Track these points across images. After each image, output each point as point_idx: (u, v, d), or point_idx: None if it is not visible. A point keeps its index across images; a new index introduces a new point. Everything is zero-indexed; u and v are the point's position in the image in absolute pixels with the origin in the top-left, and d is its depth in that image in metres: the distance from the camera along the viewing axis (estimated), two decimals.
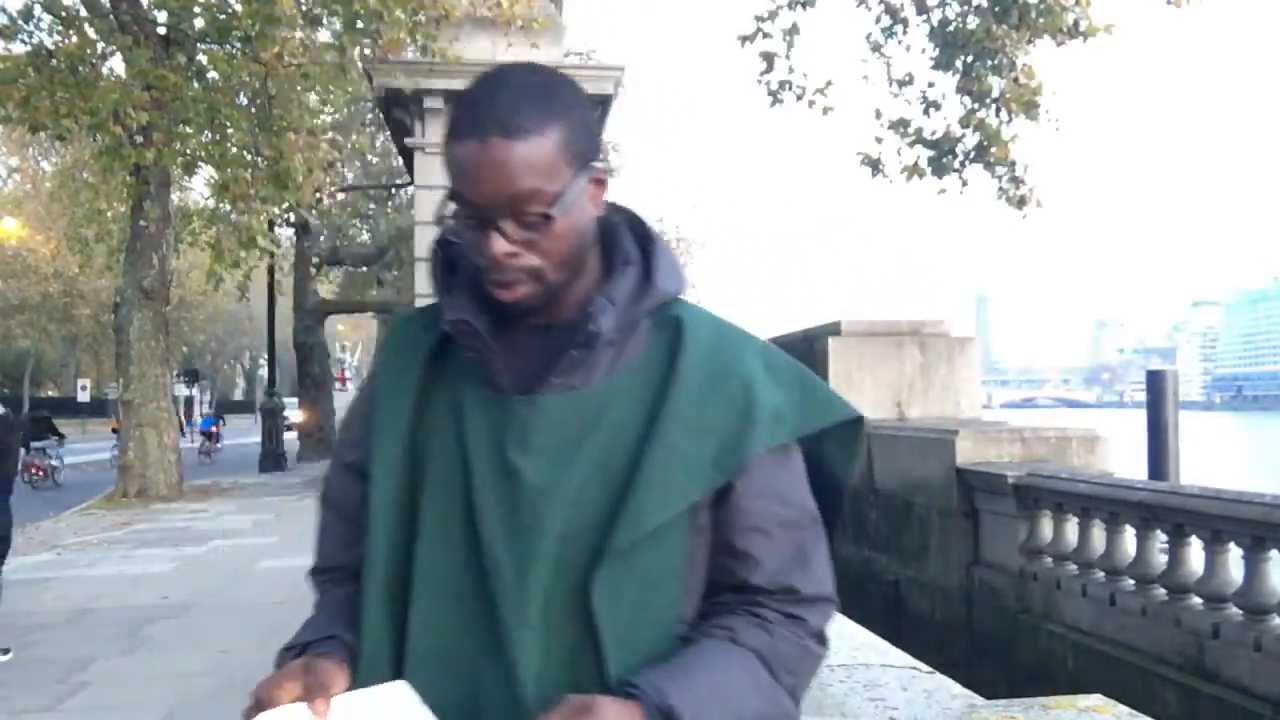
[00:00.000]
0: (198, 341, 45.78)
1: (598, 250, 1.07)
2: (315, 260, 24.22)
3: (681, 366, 1.04)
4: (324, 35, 13.57)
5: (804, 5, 14.06)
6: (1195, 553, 5.69)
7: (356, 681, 1.02)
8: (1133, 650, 5.96)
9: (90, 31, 12.76)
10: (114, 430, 18.95)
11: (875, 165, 14.40)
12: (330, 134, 14.99)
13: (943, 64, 13.59)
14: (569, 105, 0.99)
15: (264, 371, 35.33)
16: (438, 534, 1.06)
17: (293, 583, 8.29)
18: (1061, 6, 12.60)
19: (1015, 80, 13.08)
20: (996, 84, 13.24)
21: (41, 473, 17.99)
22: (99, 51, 13.11)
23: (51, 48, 12.55)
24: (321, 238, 25.19)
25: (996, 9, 12.83)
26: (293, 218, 20.77)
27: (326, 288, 29.52)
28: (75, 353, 45.22)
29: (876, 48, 14.16)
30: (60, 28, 13.13)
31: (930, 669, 2.97)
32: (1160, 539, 5.95)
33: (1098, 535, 6.49)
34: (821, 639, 1.08)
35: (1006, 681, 6.77)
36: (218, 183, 13.25)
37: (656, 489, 1.00)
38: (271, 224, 16.47)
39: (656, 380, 1.04)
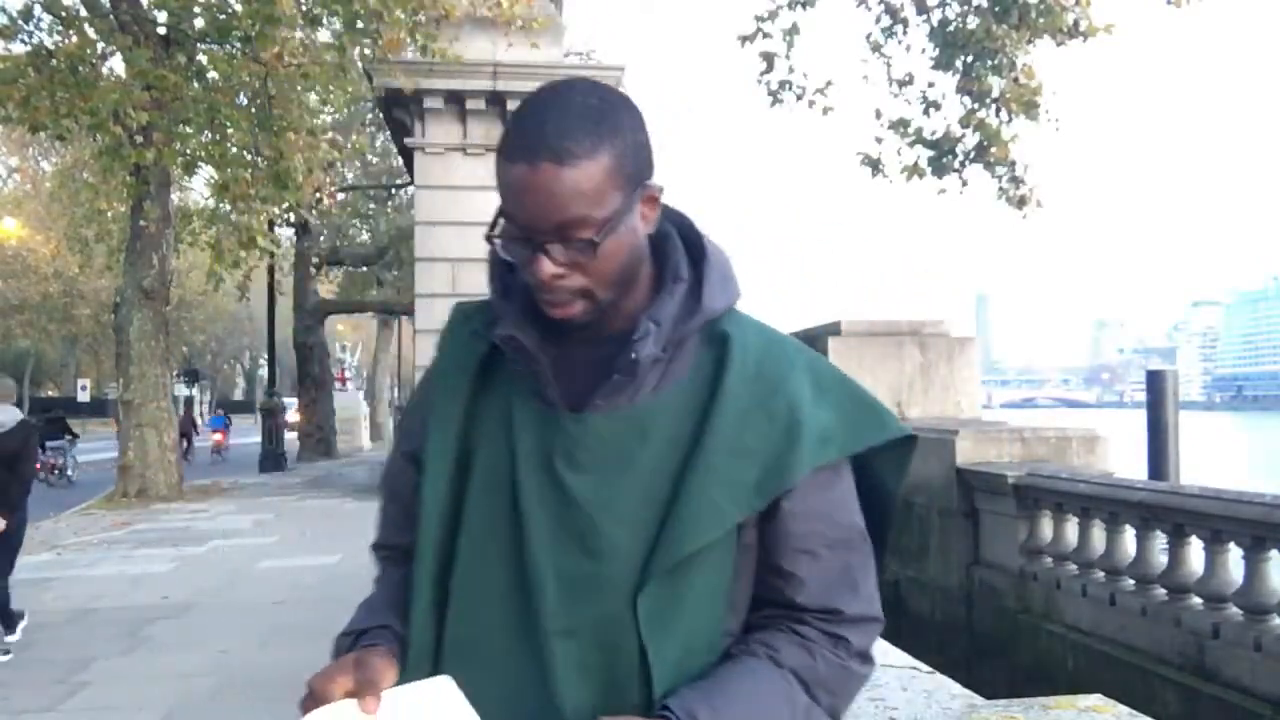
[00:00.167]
0: (198, 341, 45.79)
1: (651, 263, 1.08)
2: (315, 260, 24.23)
3: (725, 386, 1.04)
4: (324, 35, 13.58)
5: (804, 5, 14.07)
6: (1195, 553, 5.69)
7: (405, 670, 1.04)
8: (1133, 650, 5.96)
9: (90, 31, 12.75)
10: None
11: (875, 165, 14.40)
12: (330, 134, 14.99)
13: (943, 64, 13.59)
14: (621, 128, 0.98)
15: (264, 371, 35.33)
16: (482, 535, 1.07)
17: (293, 583, 8.36)
18: (1061, 6, 12.59)
19: (1015, 80, 13.08)
20: (996, 84, 13.23)
21: (56, 471, 18.42)
22: (99, 51, 13.10)
23: (51, 48, 12.54)
24: (321, 238, 25.20)
25: (996, 9, 12.83)
26: (293, 218, 20.77)
27: (326, 288, 29.52)
28: (75, 353, 45.23)
29: (876, 48, 14.16)
30: (60, 28, 13.13)
31: (930, 669, 2.97)
32: (1160, 539, 5.95)
33: (1098, 535, 6.50)
34: (865, 658, 1.08)
35: (1006, 681, 6.77)
36: (218, 183, 13.24)
37: (695, 513, 1.00)
38: (271, 224, 16.46)
39: (702, 398, 1.04)
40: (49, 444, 17.46)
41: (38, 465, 7.43)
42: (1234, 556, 5.46)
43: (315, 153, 13.00)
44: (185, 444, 25.39)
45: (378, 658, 1.00)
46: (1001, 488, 7.28)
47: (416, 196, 13.82)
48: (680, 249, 1.09)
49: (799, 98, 14.44)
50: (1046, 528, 7.04)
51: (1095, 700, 2.54)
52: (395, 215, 26.04)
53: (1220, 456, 39.23)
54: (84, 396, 44.00)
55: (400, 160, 18.21)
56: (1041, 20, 12.66)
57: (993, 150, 13.44)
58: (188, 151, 13.25)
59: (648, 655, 1.00)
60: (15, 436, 5.87)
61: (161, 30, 13.15)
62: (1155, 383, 11.20)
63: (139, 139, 12.18)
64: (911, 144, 14.08)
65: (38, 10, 13.00)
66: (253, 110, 13.06)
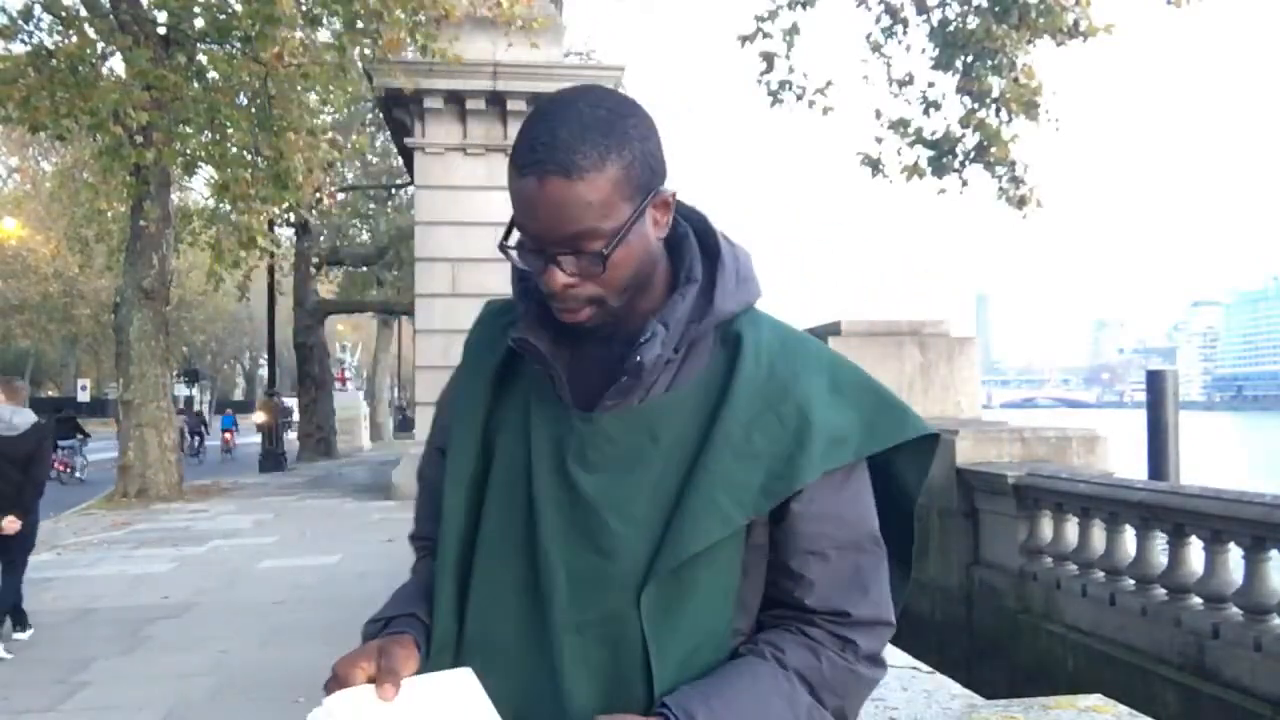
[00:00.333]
0: (198, 341, 45.79)
1: (666, 264, 1.09)
2: (315, 260, 24.22)
3: (734, 388, 1.04)
4: (324, 35, 13.58)
5: (804, 5, 14.07)
6: (1195, 553, 5.69)
7: (428, 661, 1.07)
8: (1133, 650, 5.96)
9: (90, 31, 12.75)
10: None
11: (875, 165, 14.40)
12: (330, 134, 14.95)
13: (943, 64, 13.59)
14: (629, 138, 0.99)
15: (264, 371, 35.34)
16: (499, 532, 1.10)
17: (293, 583, 8.34)
18: (1061, 6, 12.59)
19: (1015, 80, 13.07)
20: (996, 84, 13.23)
21: (68, 469, 18.88)
22: (99, 51, 13.09)
23: (51, 48, 12.53)
24: (321, 238, 25.20)
25: (996, 9, 12.83)
26: (293, 218, 20.77)
27: (326, 288, 29.53)
28: (75, 353, 45.23)
29: (876, 48, 14.16)
30: (60, 28, 13.13)
31: (930, 669, 2.97)
32: (1160, 539, 5.95)
33: (1098, 535, 6.50)
34: (874, 661, 1.07)
35: (1006, 681, 6.77)
36: (218, 183, 13.24)
37: (700, 514, 1.00)
38: (271, 224, 16.47)
39: (712, 399, 1.05)
40: (61, 444, 17.79)
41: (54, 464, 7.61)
42: (1234, 556, 5.46)
43: (315, 153, 12.99)
44: (198, 442, 26.56)
45: (400, 647, 1.03)
46: (1001, 488, 7.28)
47: (416, 196, 13.82)
48: (695, 250, 1.10)
49: (799, 98, 14.44)
50: (1046, 528, 7.05)
51: (1095, 700, 2.54)
52: (395, 215, 26.04)
53: (1220, 456, 39.24)
54: (84, 396, 43.99)
55: (400, 160, 18.22)
56: (1041, 20, 12.66)
57: (993, 150, 13.44)
58: (188, 151, 13.25)
59: (648, 652, 1.00)
60: (30, 439, 5.97)
61: (161, 30, 13.15)
62: (1155, 383, 11.19)
63: (139, 139, 12.18)
64: (911, 144, 14.08)
65: (38, 10, 13.00)
66: (253, 110, 13.05)
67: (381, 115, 15.69)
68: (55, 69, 11.71)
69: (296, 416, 25.74)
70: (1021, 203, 13.75)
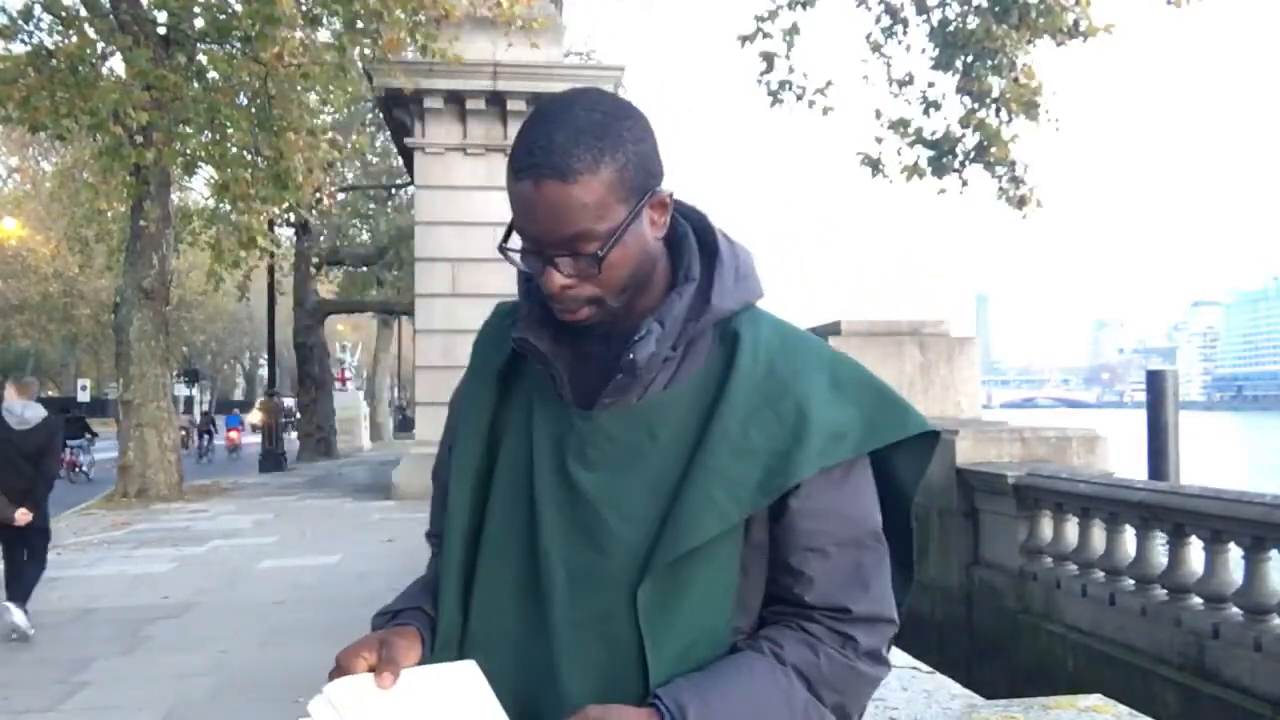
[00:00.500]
0: (198, 341, 45.79)
1: (666, 263, 1.10)
2: (315, 260, 24.23)
3: (732, 385, 1.05)
4: (324, 35, 13.59)
5: (804, 5, 14.07)
6: (1195, 553, 5.68)
7: (433, 652, 1.09)
8: (1133, 650, 5.96)
9: (90, 31, 12.75)
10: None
11: (875, 165, 14.40)
12: (330, 134, 14.95)
13: (943, 64, 13.59)
14: (623, 140, 1.00)
15: (264, 371, 35.35)
16: (502, 528, 1.12)
17: (293, 583, 8.34)
18: (1061, 6, 12.60)
19: (1015, 80, 13.07)
20: (996, 84, 13.24)
21: (76, 468, 19.19)
22: (99, 51, 13.10)
23: (51, 48, 12.54)
24: (321, 238, 25.20)
25: (996, 9, 12.83)
26: (293, 218, 20.77)
27: (326, 288, 29.54)
28: (75, 353, 45.23)
29: (876, 48, 14.16)
30: (60, 28, 13.13)
31: (930, 669, 2.97)
32: (1160, 539, 5.95)
33: (1098, 535, 6.49)
34: (875, 658, 1.07)
35: (1006, 681, 6.77)
36: (218, 183, 13.24)
37: (696, 511, 1.01)
38: (271, 224, 16.47)
39: (710, 396, 1.06)
40: (70, 443, 18.14)
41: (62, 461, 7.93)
42: (1234, 556, 5.46)
43: (315, 153, 13.00)
44: (207, 442, 27.11)
45: (401, 638, 1.05)
46: (1001, 488, 7.28)
47: (416, 196, 13.82)
48: (694, 249, 1.11)
49: (799, 98, 14.44)
50: (1046, 528, 7.04)
51: (1095, 700, 2.54)
52: (395, 215, 26.05)
53: (1220, 456, 39.24)
54: (84, 396, 43.93)
55: (400, 160, 18.21)
56: (1041, 20, 12.66)
57: (993, 150, 13.44)
58: (188, 151, 13.25)
59: (645, 647, 1.01)
60: (41, 433, 6.19)
61: (161, 30, 13.15)
62: (1155, 383, 11.19)
63: (139, 139, 12.18)
64: (911, 144, 14.09)
65: (38, 10, 13.01)
66: (253, 110, 13.05)
67: (381, 115, 15.69)
68: (55, 69, 11.71)
69: (297, 416, 25.82)
70: (1021, 203, 13.75)
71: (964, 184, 14.12)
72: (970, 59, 13.25)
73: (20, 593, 6.22)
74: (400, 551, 8.69)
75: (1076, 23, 12.68)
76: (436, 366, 12.44)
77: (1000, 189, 13.79)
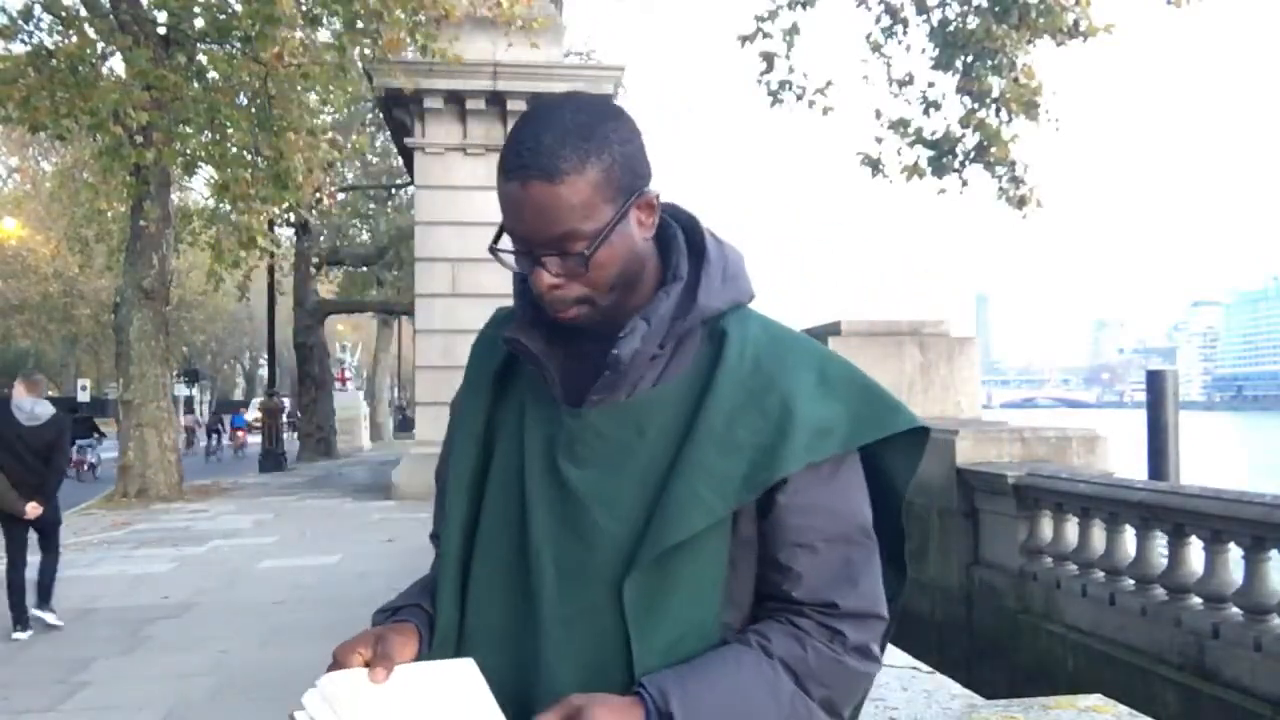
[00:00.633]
0: (198, 341, 45.74)
1: (657, 264, 1.12)
2: (315, 260, 24.23)
3: (717, 382, 1.06)
4: (324, 35, 13.59)
5: (804, 5, 14.07)
6: (1195, 553, 5.68)
7: (431, 649, 1.11)
8: (1133, 650, 5.96)
9: (90, 31, 12.75)
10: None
11: (875, 165, 14.40)
12: (330, 134, 14.94)
13: (943, 64, 13.59)
14: (609, 142, 1.02)
15: (264, 371, 35.33)
16: (495, 529, 1.14)
17: (293, 583, 8.34)
18: (1061, 6, 12.59)
19: (1015, 80, 13.07)
20: (996, 84, 13.23)
21: (84, 466, 19.45)
22: (99, 51, 13.10)
23: (51, 48, 12.54)
24: (321, 238, 25.20)
25: (996, 9, 12.83)
26: (293, 218, 20.77)
27: (326, 288, 29.53)
28: (75, 353, 45.19)
29: (876, 48, 14.16)
30: (60, 28, 13.13)
31: (930, 669, 2.97)
32: (1160, 539, 5.95)
33: (1098, 535, 6.49)
34: (864, 653, 1.06)
35: (1006, 681, 6.77)
36: (218, 183, 13.24)
37: (681, 505, 1.01)
38: (271, 224, 16.47)
39: (697, 393, 1.06)
40: (78, 442, 18.43)
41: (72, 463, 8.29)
42: (1234, 556, 5.46)
43: (315, 153, 12.99)
44: (216, 441, 27.82)
45: (398, 634, 1.06)
46: (1001, 488, 7.28)
47: (416, 196, 13.82)
48: (683, 250, 1.12)
49: (799, 98, 14.44)
50: (1046, 528, 7.04)
51: (1095, 700, 2.55)
52: (395, 215, 26.05)
53: (1220, 456, 39.24)
54: (84, 396, 43.92)
55: (400, 160, 18.21)
56: (1041, 20, 12.66)
57: (993, 150, 13.43)
58: (188, 151, 13.25)
59: (630, 641, 1.02)
60: (51, 429, 6.40)
61: (161, 30, 13.15)
62: (1155, 383, 11.19)
63: (139, 139, 12.18)
64: (911, 144, 14.08)
65: (38, 10, 13.00)
66: (253, 110, 13.05)
67: (381, 115, 15.69)
68: (55, 69, 11.71)
69: (298, 415, 25.91)
70: (1021, 203, 13.75)
71: (964, 184, 14.11)
72: (970, 59, 13.25)
73: (43, 593, 6.45)
74: (400, 551, 8.70)
75: (1076, 23, 12.68)
76: (436, 366, 12.44)
77: (1000, 189, 13.79)
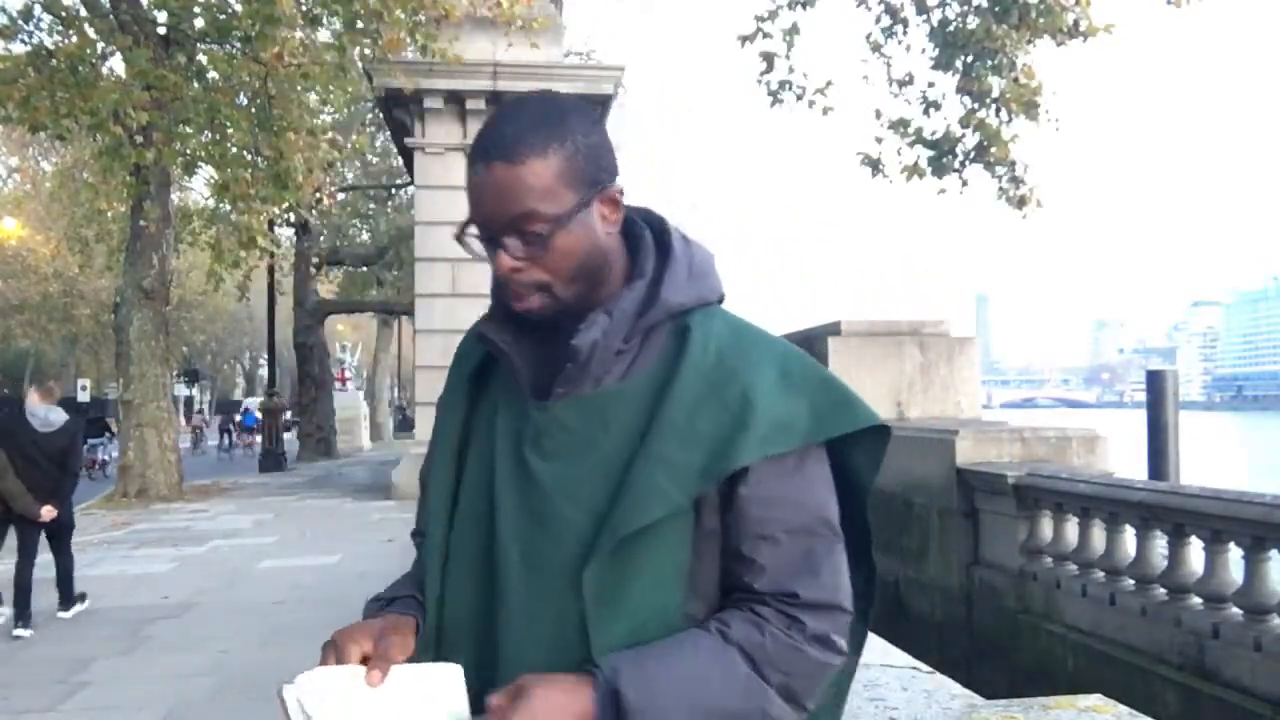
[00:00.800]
0: (198, 341, 45.73)
1: (625, 263, 1.13)
2: (315, 260, 24.23)
3: (679, 375, 1.07)
4: (324, 35, 13.58)
5: (804, 5, 14.07)
6: (1195, 553, 5.68)
7: (422, 637, 1.14)
8: (1133, 650, 5.96)
9: (90, 31, 12.75)
10: None
11: (875, 165, 14.40)
12: (330, 134, 14.94)
13: (943, 64, 13.59)
14: (572, 130, 1.05)
15: (264, 371, 35.33)
16: (467, 521, 1.16)
17: (293, 583, 8.34)
18: (1061, 6, 12.59)
19: (1015, 80, 13.07)
20: (996, 84, 13.23)
21: (96, 465, 20.14)
22: (99, 51, 13.10)
23: (51, 48, 12.54)
24: (321, 238, 25.20)
25: (996, 9, 12.83)
26: (293, 218, 20.78)
27: (326, 288, 29.54)
28: (75, 353, 45.15)
29: (876, 48, 14.16)
30: (60, 28, 13.13)
31: (930, 669, 2.97)
32: (1160, 539, 5.95)
33: (1098, 535, 6.49)
34: (824, 643, 1.06)
35: (1006, 681, 6.77)
36: (218, 183, 13.24)
37: (640, 495, 1.03)
38: (271, 224, 16.47)
39: (660, 387, 1.08)
40: (90, 441, 19.01)
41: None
42: (1234, 556, 5.46)
43: (315, 153, 13.00)
44: (228, 440, 28.80)
45: (398, 633, 1.09)
46: (1001, 488, 7.28)
47: (416, 196, 13.82)
48: (650, 248, 1.14)
49: (799, 98, 14.44)
50: (1046, 528, 7.04)
51: (1095, 700, 2.55)
52: (395, 215, 26.06)
53: (1220, 456, 39.25)
54: (84, 396, 43.93)
55: (400, 160, 18.21)
56: (1041, 20, 12.66)
57: (993, 150, 13.43)
58: (188, 151, 13.25)
59: (589, 629, 1.03)
60: (64, 434, 6.59)
61: (161, 30, 13.15)
62: (1155, 383, 11.19)
63: (139, 139, 12.18)
64: (911, 144, 14.08)
65: (38, 10, 13.01)
66: (253, 110, 13.05)
67: (381, 115, 15.69)
68: (55, 69, 11.71)
69: (295, 416, 26.04)
70: (1021, 203, 13.75)
71: (964, 184, 14.11)
72: (970, 59, 13.25)
73: (65, 594, 6.71)
74: (400, 551, 8.70)
75: (1076, 23, 12.68)
76: (436, 366, 12.43)
77: (1000, 189, 13.79)
